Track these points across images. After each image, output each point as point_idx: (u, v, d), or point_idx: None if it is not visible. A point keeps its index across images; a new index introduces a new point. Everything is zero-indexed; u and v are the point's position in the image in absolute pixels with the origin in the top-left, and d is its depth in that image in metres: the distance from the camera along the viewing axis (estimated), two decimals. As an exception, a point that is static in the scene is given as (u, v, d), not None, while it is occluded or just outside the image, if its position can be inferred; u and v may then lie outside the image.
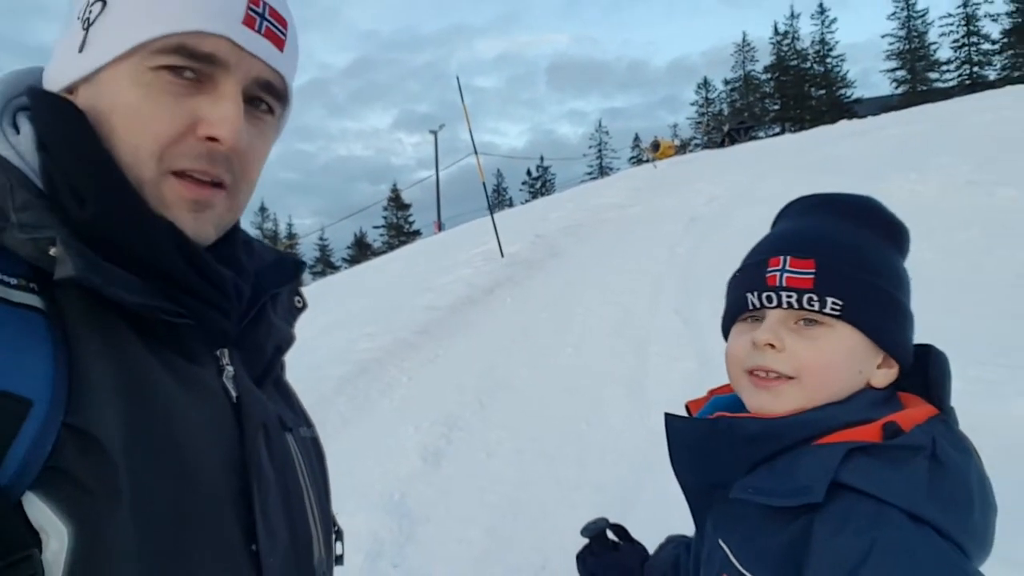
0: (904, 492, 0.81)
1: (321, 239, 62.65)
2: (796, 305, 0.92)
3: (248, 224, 0.93)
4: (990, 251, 6.24)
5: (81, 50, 0.73)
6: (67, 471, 0.59)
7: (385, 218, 60.98)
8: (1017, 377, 3.92)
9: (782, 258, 0.94)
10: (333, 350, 6.63)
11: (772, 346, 0.93)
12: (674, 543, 1.30)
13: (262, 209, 67.19)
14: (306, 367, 5.86)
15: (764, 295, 0.95)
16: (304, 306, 0.99)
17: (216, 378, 0.78)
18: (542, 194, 59.55)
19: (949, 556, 0.79)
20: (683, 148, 40.25)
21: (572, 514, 3.74)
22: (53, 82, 0.76)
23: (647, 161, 29.65)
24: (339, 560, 0.96)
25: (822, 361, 0.91)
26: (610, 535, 1.33)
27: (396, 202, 59.77)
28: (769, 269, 0.95)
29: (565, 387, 5.49)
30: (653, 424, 4.67)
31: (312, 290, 12.35)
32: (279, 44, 0.78)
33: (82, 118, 0.71)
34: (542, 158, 72.25)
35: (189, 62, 0.71)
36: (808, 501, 0.82)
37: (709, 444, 0.95)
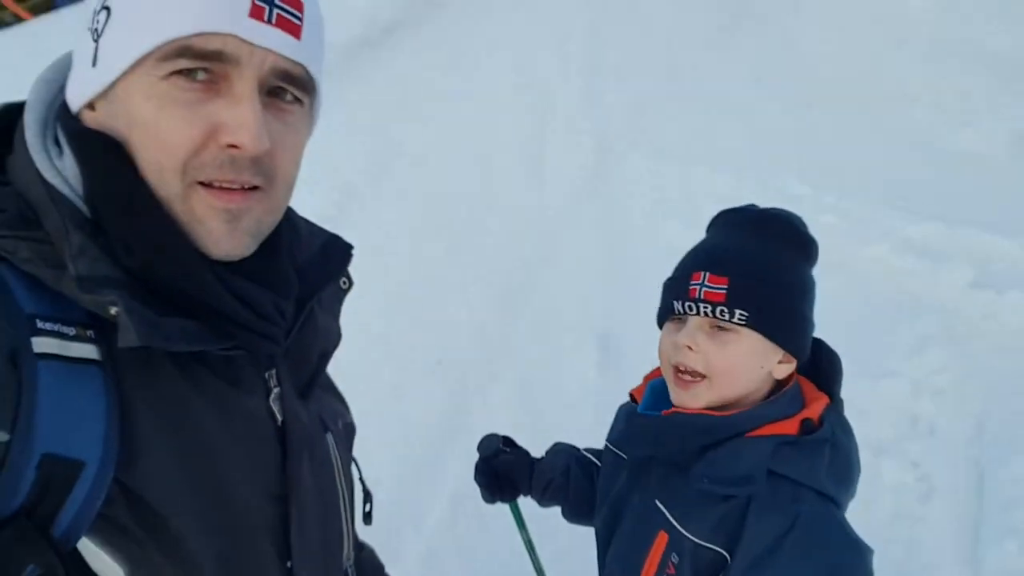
0: (815, 475, 1.10)
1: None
2: (711, 314, 1.15)
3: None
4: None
5: (94, 64, 0.70)
6: (117, 522, 0.65)
7: None
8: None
9: (703, 273, 1.16)
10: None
11: (689, 348, 1.16)
12: (565, 453, 1.58)
13: None
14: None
15: (687, 304, 1.17)
16: (350, 286, 0.98)
17: (263, 401, 0.81)
18: None
19: (844, 525, 1.10)
20: None
21: (471, 305, 3.90)
22: (74, 98, 0.73)
23: None
24: (367, 518, 1.05)
25: (729, 362, 1.15)
26: (502, 447, 1.58)
27: None
28: (692, 282, 1.17)
29: (465, 160, 5.38)
30: (552, 212, 4.76)
31: None
32: (295, 32, 0.72)
33: (116, 158, 0.69)
34: None
35: (197, 63, 0.68)
36: (752, 492, 1.09)
37: (666, 432, 1.19)
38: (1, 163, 0.73)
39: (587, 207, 4.83)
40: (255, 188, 0.73)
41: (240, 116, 0.69)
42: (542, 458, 1.58)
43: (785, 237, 1.20)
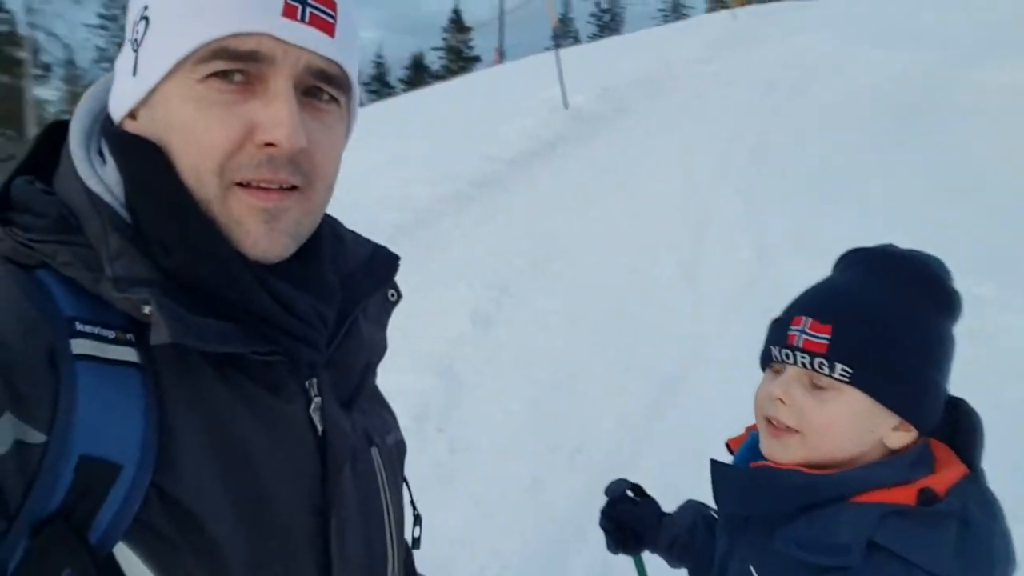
0: (932, 556, 0.89)
1: (378, 56, 60.79)
2: (808, 366, 0.99)
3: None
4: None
5: (135, 73, 0.72)
6: (153, 526, 0.63)
7: (445, 40, 58.58)
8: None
9: (804, 319, 1.01)
10: (388, 193, 6.60)
11: (782, 401, 1.02)
12: (693, 510, 1.43)
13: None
14: (361, 208, 5.86)
15: (784, 351, 1.03)
16: (398, 299, 0.96)
17: (303, 411, 0.78)
18: (610, 29, 56.22)
19: None
20: (769, -6, 36.95)
21: (615, 400, 3.86)
22: (116, 108, 0.75)
23: (725, 6, 27.52)
24: (416, 543, 1.00)
25: (824, 421, 0.99)
26: (629, 494, 1.45)
27: (457, 24, 57.13)
28: (792, 328, 1.02)
29: (622, 263, 5.48)
30: (705, 315, 4.70)
31: (368, 113, 12.09)
32: (329, 30, 0.72)
33: (156, 162, 0.70)
34: (614, -11, 67.48)
35: (233, 64, 0.68)
36: (846, 564, 0.91)
37: (754, 489, 1.05)
38: (49, 177, 0.74)
39: (742, 310, 4.69)
40: (293, 188, 0.72)
41: (275, 114, 0.68)
42: (671, 513, 1.50)
43: (914, 281, 1.01)
